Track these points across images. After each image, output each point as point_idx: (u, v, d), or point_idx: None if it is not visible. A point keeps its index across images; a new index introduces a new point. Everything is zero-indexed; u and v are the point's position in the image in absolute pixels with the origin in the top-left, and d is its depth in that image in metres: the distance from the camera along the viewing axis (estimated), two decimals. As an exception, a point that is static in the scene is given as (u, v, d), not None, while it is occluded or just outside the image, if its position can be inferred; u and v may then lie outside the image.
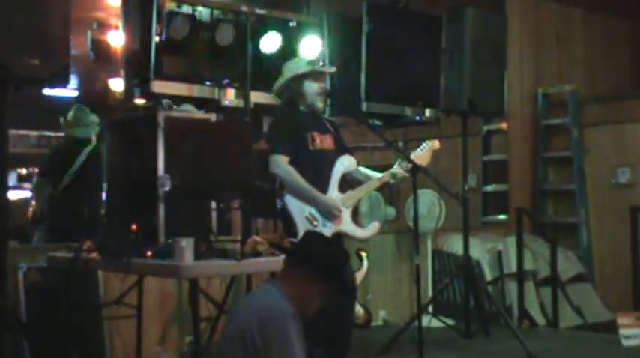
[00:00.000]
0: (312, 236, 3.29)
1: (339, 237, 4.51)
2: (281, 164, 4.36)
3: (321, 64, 4.73)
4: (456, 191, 5.63)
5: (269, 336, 2.87)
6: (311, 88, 4.54)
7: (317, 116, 4.62)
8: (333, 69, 4.78)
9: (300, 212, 4.39)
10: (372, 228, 4.68)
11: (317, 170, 4.45)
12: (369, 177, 4.64)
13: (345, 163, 4.59)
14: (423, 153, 4.67)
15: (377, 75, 6.00)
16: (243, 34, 5.19)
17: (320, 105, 4.60)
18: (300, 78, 4.53)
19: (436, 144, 4.72)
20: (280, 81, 4.61)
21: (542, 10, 8.31)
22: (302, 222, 4.37)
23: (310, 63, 4.61)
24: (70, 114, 6.04)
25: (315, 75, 4.55)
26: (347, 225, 4.53)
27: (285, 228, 4.46)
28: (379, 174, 4.64)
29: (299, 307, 2.97)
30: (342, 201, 4.51)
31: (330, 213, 4.43)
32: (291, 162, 4.40)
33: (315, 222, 4.38)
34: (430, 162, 4.68)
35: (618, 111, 7.85)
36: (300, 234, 4.31)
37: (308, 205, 4.40)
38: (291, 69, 4.60)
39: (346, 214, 4.52)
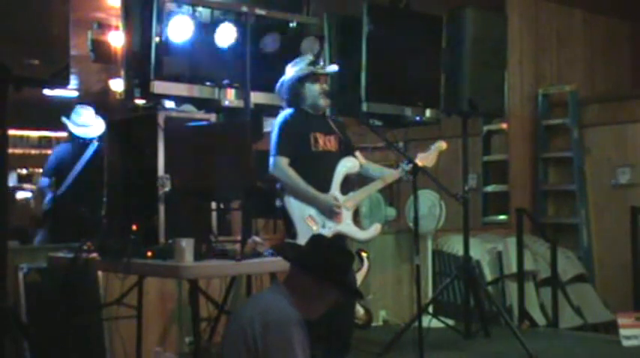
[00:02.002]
0: (316, 241, 3.27)
1: (341, 238, 4.51)
2: (280, 166, 4.38)
3: (321, 64, 4.75)
4: (457, 191, 5.62)
5: (271, 343, 2.85)
6: (312, 89, 4.55)
7: (321, 117, 4.63)
8: (334, 68, 4.78)
9: (299, 213, 4.39)
10: (373, 229, 4.70)
11: (319, 171, 4.47)
12: (382, 172, 4.67)
13: (348, 164, 4.60)
14: (429, 155, 4.74)
15: (377, 75, 5.99)
16: (243, 34, 5.18)
17: (322, 104, 4.61)
18: (301, 80, 4.54)
19: (443, 145, 4.81)
20: (282, 82, 4.62)
21: (542, 10, 8.32)
22: (301, 224, 4.37)
23: (311, 64, 4.62)
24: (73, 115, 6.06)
25: (315, 76, 4.56)
26: (347, 226, 4.53)
27: (285, 229, 4.47)
28: (387, 172, 4.66)
29: (305, 312, 2.97)
30: (343, 203, 4.51)
31: (330, 211, 4.43)
32: (293, 164, 4.41)
33: (314, 224, 4.38)
34: (436, 162, 4.74)
35: (618, 111, 7.85)
36: (299, 234, 4.32)
37: (308, 206, 4.40)
38: (292, 70, 4.60)
39: (347, 216, 4.53)
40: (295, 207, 4.40)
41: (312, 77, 4.55)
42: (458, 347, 5.87)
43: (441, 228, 6.85)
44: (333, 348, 4.33)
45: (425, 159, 4.71)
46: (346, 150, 4.67)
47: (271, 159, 4.41)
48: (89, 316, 4.86)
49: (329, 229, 4.43)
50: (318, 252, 3.09)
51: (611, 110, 7.92)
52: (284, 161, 4.39)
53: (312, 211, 4.41)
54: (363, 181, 4.78)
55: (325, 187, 4.48)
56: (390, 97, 6.14)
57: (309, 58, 4.70)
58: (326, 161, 4.54)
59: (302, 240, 4.29)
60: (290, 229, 4.39)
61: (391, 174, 4.68)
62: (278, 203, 4.46)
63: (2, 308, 3.69)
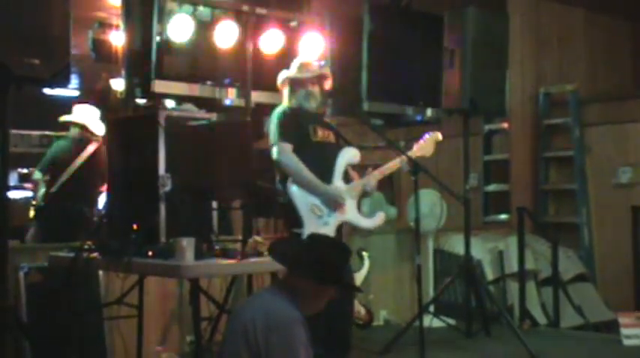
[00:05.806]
0: (310, 240, 3.25)
1: (339, 233, 4.52)
2: (285, 152, 4.38)
3: (316, 63, 4.74)
4: (458, 191, 5.64)
5: (273, 343, 2.85)
6: (299, 92, 4.58)
7: (317, 114, 4.64)
8: (315, 73, 4.68)
9: (305, 203, 4.40)
10: (378, 217, 4.71)
11: (321, 161, 4.48)
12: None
13: (348, 154, 4.62)
14: (425, 144, 4.76)
15: (378, 74, 5.98)
16: (244, 33, 5.18)
17: (310, 106, 4.60)
18: (291, 82, 4.59)
19: (439, 135, 4.83)
20: (281, 77, 4.64)
21: (543, 9, 8.31)
22: (307, 213, 4.38)
23: (300, 67, 4.64)
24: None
25: (299, 81, 4.58)
26: (352, 214, 4.55)
27: (289, 219, 4.45)
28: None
29: (305, 310, 2.97)
30: (347, 192, 4.52)
31: (333, 203, 4.44)
32: (295, 152, 4.42)
33: (319, 213, 4.39)
34: (434, 153, 4.75)
35: (619, 110, 7.85)
36: (306, 224, 4.33)
37: (312, 195, 4.41)
38: (292, 67, 4.63)
39: (351, 204, 4.54)
40: (300, 196, 4.40)
41: (298, 81, 4.59)
42: (459, 346, 5.88)
43: (442, 228, 6.85)
44: (333, 347, 4.32)
45: (422, 149, 4.75)
46: (344, 142, 4.70)
47: (275, 147, 4.40)
48: (90, 315, 4.86)
49: (334, 218, 4.44)
50: (313, 253, 3.07)
51: (613, 109, 7.92)
52: (288, 147, 4.40)
53: (316, 201, 4.42)
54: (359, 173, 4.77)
55: (327, 177, 4.49)
56: (391, 96, 6.14)
57: (299, 61, 4.71)
58: (326, 151, 4.56)
59: (308, 229, 4.32)
60: (296, 220, 4.38)
61: (391, 164, 4.70)
62: (279, 186, 4.46)
63: (3, 307, 3.70)
